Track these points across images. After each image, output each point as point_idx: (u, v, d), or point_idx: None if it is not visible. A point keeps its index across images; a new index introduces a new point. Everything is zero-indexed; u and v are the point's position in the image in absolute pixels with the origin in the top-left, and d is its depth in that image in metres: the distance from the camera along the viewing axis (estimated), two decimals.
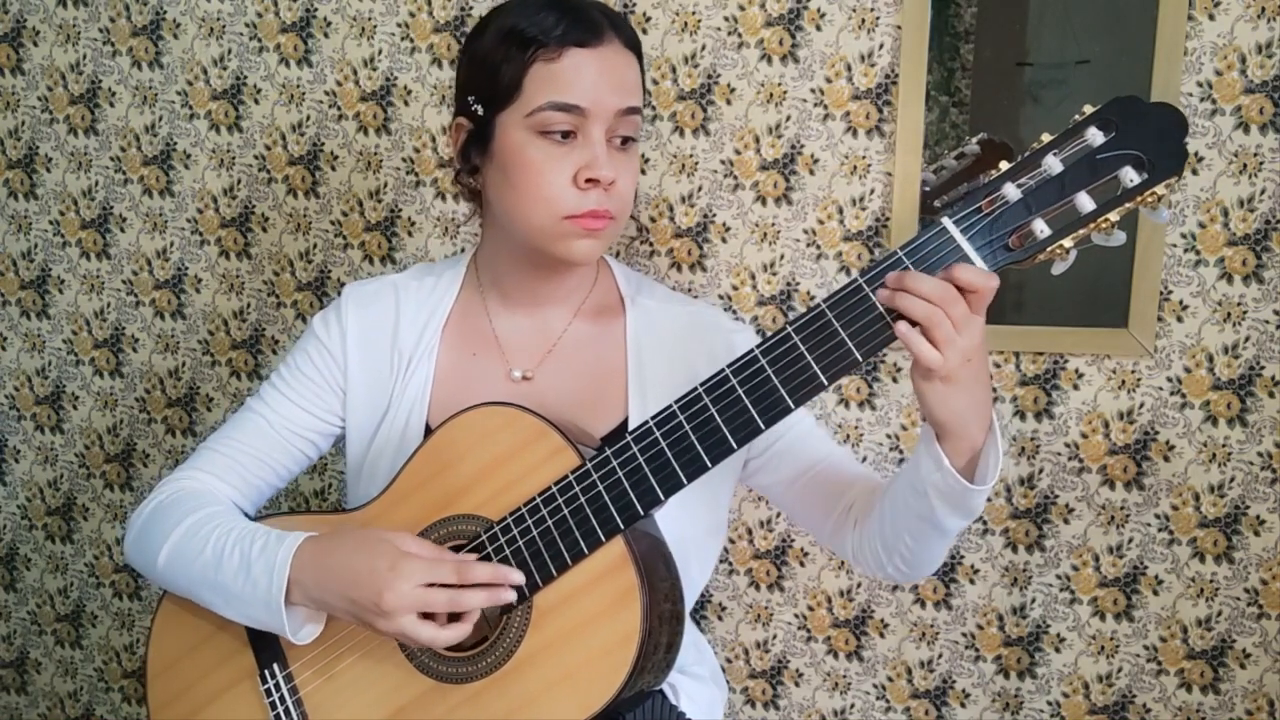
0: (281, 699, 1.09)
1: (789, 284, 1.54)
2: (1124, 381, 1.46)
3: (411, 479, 1.08)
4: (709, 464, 0.96)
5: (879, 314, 0.91)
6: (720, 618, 1.65)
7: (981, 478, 0.96)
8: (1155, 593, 1.50)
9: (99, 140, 1.76)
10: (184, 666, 1.15)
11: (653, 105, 1.54)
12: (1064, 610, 1.54)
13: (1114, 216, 0.87)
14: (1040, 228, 0.87)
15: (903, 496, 1.03)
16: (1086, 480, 1.50)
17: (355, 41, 1.63)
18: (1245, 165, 1.38)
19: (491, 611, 1.05)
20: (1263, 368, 1.42)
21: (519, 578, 0.99)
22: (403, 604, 0.96)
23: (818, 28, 1.47)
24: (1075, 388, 1.48)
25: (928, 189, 1.45)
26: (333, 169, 1.68)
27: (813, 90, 1.49)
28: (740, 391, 0.94)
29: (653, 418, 0.97)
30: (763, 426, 0.94)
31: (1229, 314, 1.42)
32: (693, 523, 1.12)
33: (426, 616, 0.98)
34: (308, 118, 1.67)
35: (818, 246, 1.52)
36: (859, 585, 1.60)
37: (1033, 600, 1.54)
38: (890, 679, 1.61)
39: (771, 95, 1.50)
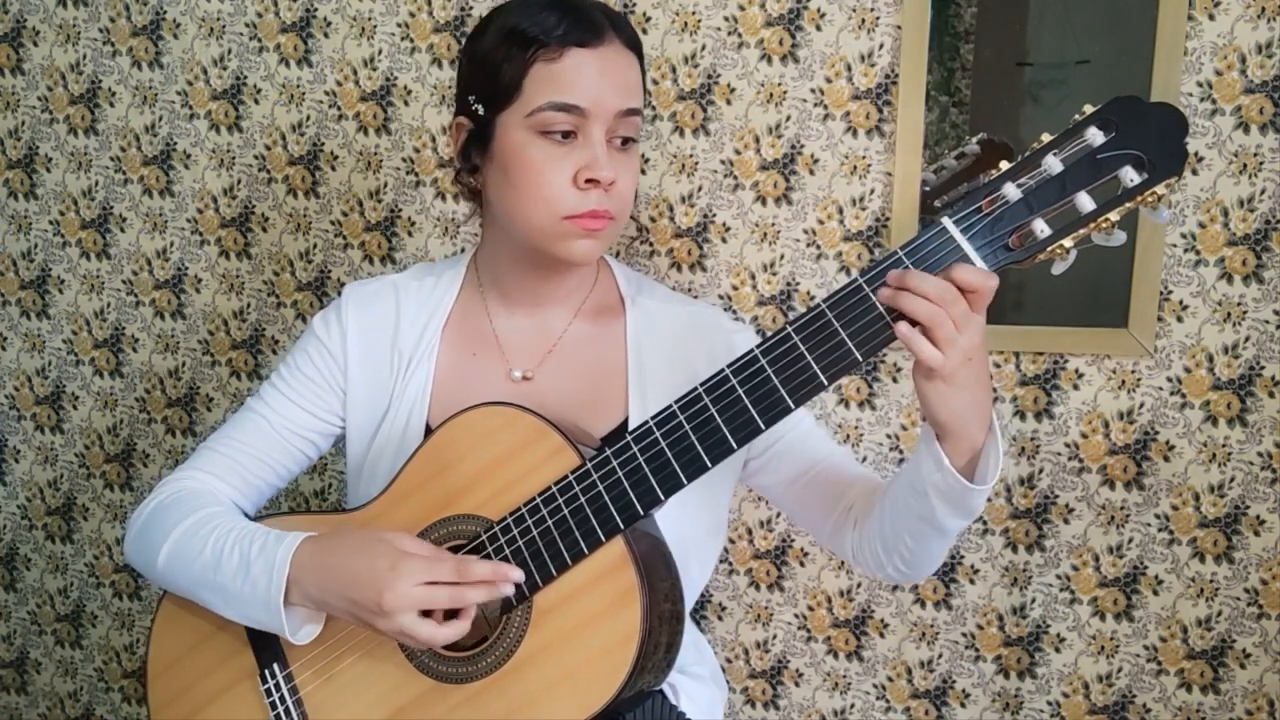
0: (281, 699, 1.09)
1: (789, 284, 1.54)
2: (1124, 381, 1.46)
3: (411, 479, 1.08)
4: (709, 464, 0.96)
5: (879, 314, 0.91)
6: (720, 618, 1.65)
7: (982, 477, 0.96)
8: (1155, 593, 1.50)
9: (99, 140, 1.76)
10: (184, 666, 1.15)
11: (653, 105, 1.54)
12: (1064, 610, 1.54)
13: (1114, 216, 0.87)
14: (1040, 227, 0.88)
15: (903, 496, 1.03)
16: (1086, 480, 1.50)
17: (355, 41, 1.63)
18: (1245, 165, 1.38)
19: (492, 612, 1.05)
20: (1263, 368, 1.42)
21: (519, 575, 0.99)
22: (404, 603, 0.96)
23: (818, 28, 1.47)
24: (1075, 388, 1.48)
25: (928, 189, 1.45)
26: (333, 169, 1.68)
27: (813, 90, 1.49)
28: (740, 391, 0.94)
29: (653, 418, 0.97)
30: (763, 427, 0.94)
31: (1229, 314, 1.42)
32: (693, 523, 1.12)
33: (425, 615, 0.98)
34: (308, 118, 1.67)
35: (818, 246, 1.52)
36: (859, 585, 1.60)
37: (1033, 600, 1.54)
38: (890, 679, 1.61)
39: (771, 95, 1.50)
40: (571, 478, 0.99)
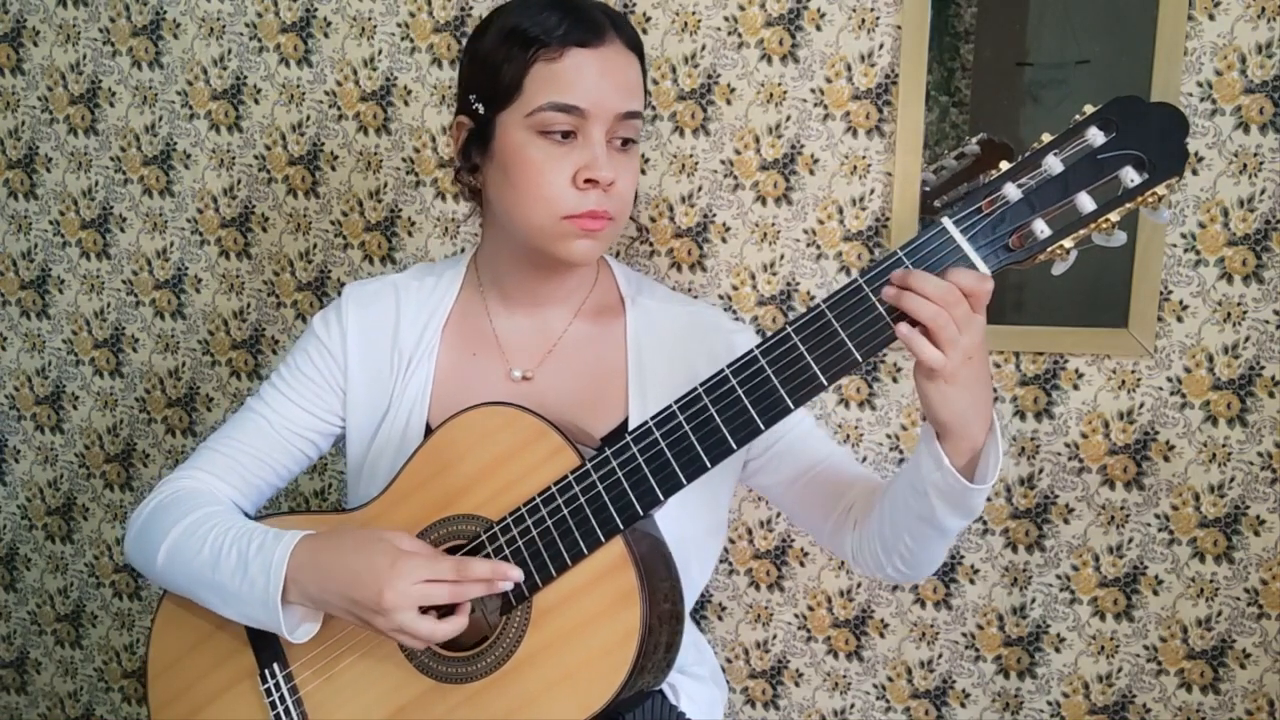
0: (281, 699, 1.09)
1: (789, 284, 1.54)
2: (1124, 381, 1.46)
3: (411, 479, 1.08)
4: (708, 464, 0.96)
5: (879, 314, 0.91)
6: (720, 618, 1.65)
7: (982, 477, 0.96)
8: (1155, 593, 1.50)
9: (99, 140, 1.76)
10: (184, 666, 1.15)
11: (653, 105, 1.54)
12: (1064, 610, 1.54)
13: (1114, 217, 0.87)
14: (1040, 228, 0.87)
15: (903, 496, 1.03)
16: (1086, 480, 1.50)
17: (355, 41, 1.63)
18: (1245, 165, 1.38)
19: (491, 612, 1.05)
20: (1263, 368, 1.42)
21: (518, 574, 1.00)
22: (404, 601, 0.96)
23: (818, 28, 1.47)
24: (1075, 388, 1.48)
25: (928, 189, 1.45)
26: (333, 169, 1.68)
27: (813, 90, 1.49)
28: (740, 392, 0.94)
29: (652, 418, 0.97)
30: (762, 427, 0.94)
31: (1229, 314, 1.42)
32: (693, 523, 1.12)
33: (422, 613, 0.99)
34: (308, 118, 1.67)
35: (818, 246, 1.52)
36: (859, 585, 1.60)
37: (1033, 600, 1.54)
38: (890, 679, 1.61)
39: (771, 95, 1.50)
40: (571, 478, 0.99)
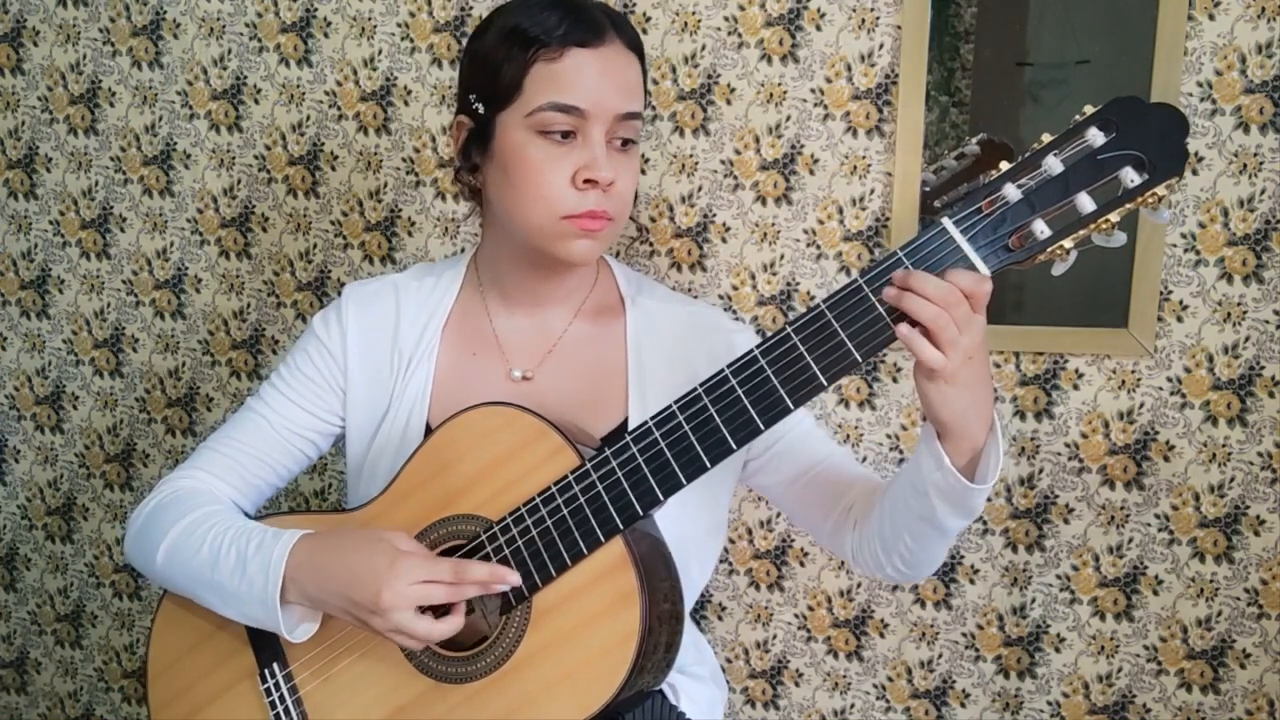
0: (281, 698, 1.09)
1: (789, 284, 1.54)
2: (1124, 381, 1.46)
3: (411, 479, 1.08)
4: (708, 464, 0.96)
5: (879, 314, 0.90)
6: (720, 618, 1.65)
7: (982, 477, 0.96)
8: (1155, 593, 1.50)
9: (99, 140, 1.76)
10: (184, 666, 1.15)
11: (653, 105, 1.54)
12: (1064, 610, 1.54)
13: (1114, 217, 0.87)
14: (1040, 228, 0.87)
15: (903, 496, 1.03)
16: (1086, 480, 1.50)
17: (355, 41, 1.63)
18: (1245, 165, 1.38)
19: (491, 612, 1.05)
20: (1263, 368, 1.42)
21: (515, 579, 0.99)
22: (402, 601, 0.96)
23: (818, 28, 1.47)
24: (1075, 388, 1.48)
25: (928, 189, 1.45)
26: (333, 169, 1.68)
27: (813, 90, 1.49)
28: (740, 392, 0.94)
29: (652, 418, 0.97)
30: (762, 427, 0.94)
31: (1229, 314, 1.42)
32: (692, 523, 1.12)
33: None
34: (308, 118, 1.67)
35: (818, 246, 1.52)
36: (859, 585, 1.60)
37: (1033, 600, 1.54)
38: (890, 679, 1.61)
39: (771, 95, 1.50)
40: (571, 478, 0.99)
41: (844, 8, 1.46)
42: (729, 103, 1.52)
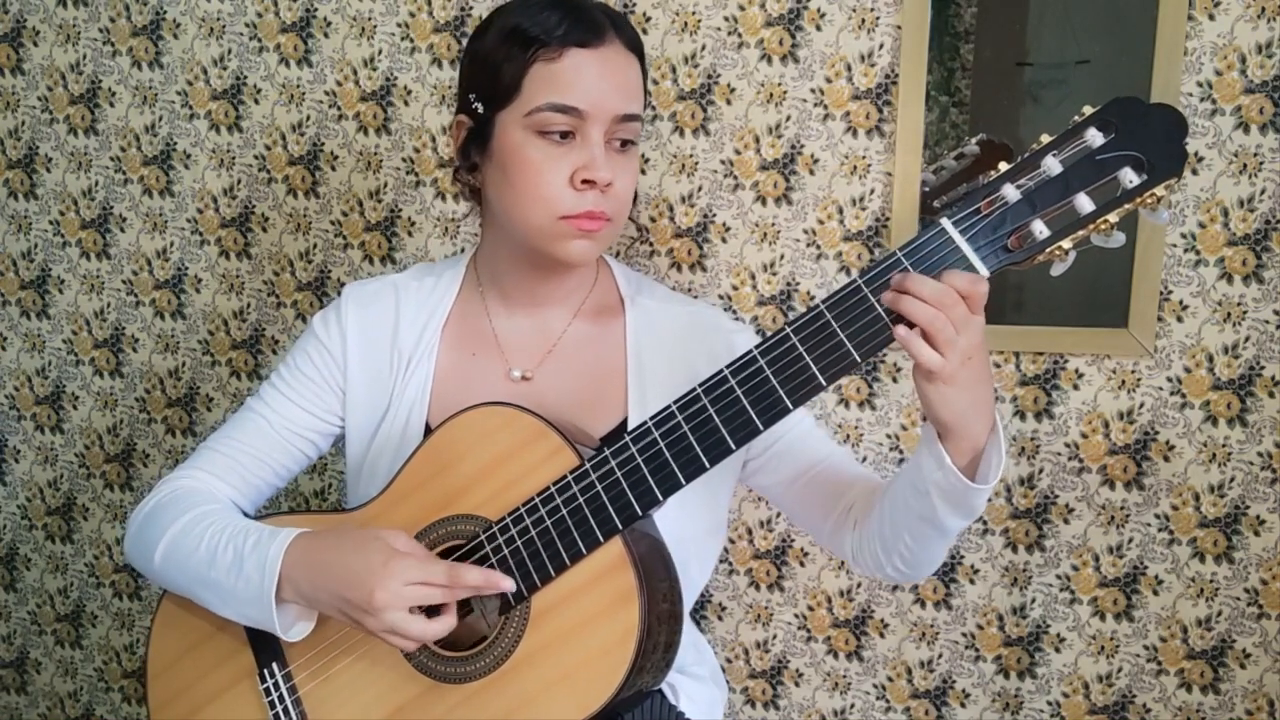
0: (280, 698, 1.09)
1: (789, 284, 1.54)
2: (1124, 381, 1.46)
3: (411, 479, 1.08)
4: (707, 464, 0.96)
5: (878, 315, 0.90)
6: (720, 618, 1.65)
7: (983, 477, 0.96)
8: (1155, 593, 1.50)
9: (99, 140, 1.76)
10: (184, 666, 1.16)
11: (653, 105, 1.54)
12: (1064, 610, 1.53)
13: (1113, 218, 0.87)
14: (1039, 229, 0.87)
15: (903, 496, 1.03)
16: (1086, 480, 1.50)
17: (355, 41, 1.63)
18: (1245, 165, 1.38)
19: (490, 612, 1.05)
20: (1263, 368, 1.42)
21: (509, 585, 0.99)
22: (396, 601, 0.96)
23: (818, 28, 1.47)
24: (1075, 388, 1.48)
25: (927, 189, 1.44)
26: (333, 169, 1.68)
27: (813, 90, 1.49)
28: (739, 392, 0.94)
29: (651, 418, 0.97)
30: (761, 427, 0.94)
31: (1229, 314, 1.42)
32: (692, 523, 1.12)
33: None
34: (308, 118, 1.67)
35: (818, 246, 1.52)
36: (859, 585, 1.60)
37: (1033, 600, 1.54)
38: (890, 679, 1.61)
39: (771, 95, 1.50)
40: (570, 478, 0.99)
41: (844, 8, 1.46)
42: (729, 103, 1.52)
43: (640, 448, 0.97)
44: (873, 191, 1.49)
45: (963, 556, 1.55)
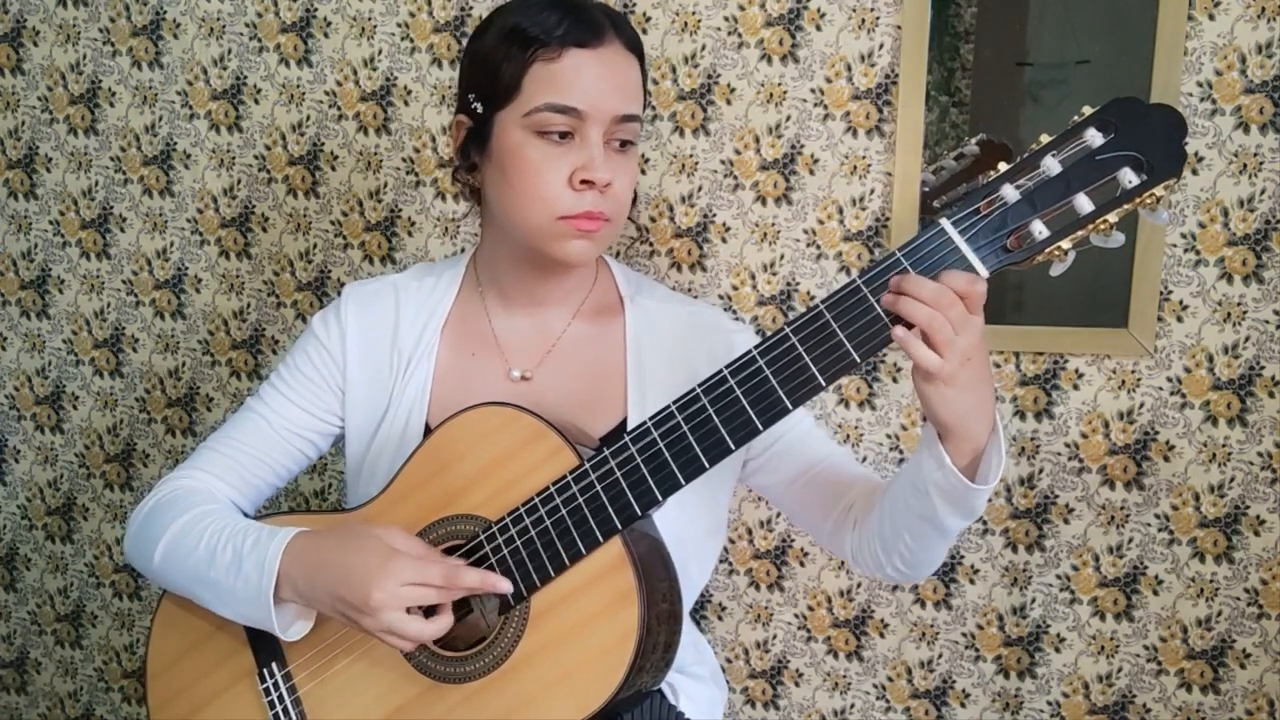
0: (280, 698, 1.09)
1: (789, 284, 1.54)
2: (1124, 381, 1.46)
3: (411, 479, 1.08)
4: (707, 465, 0.96)
5: (877, 315, 0.90)
6: (720, 618, 1.65)
7: (984, 478, 0.96)
8: (1155, 593, 1.50)
9: (99, 140, 1.76)
10: (183, 666, 1.16)
11: (653, 105, 1.54)
12: (1064, 610, 1.53)
13: (1113, 218, 0.87)
14: (1039, 229, 0.87)
15: (904, 496, 1.03)
16: (1086, 480, 1.50)
17: (355, 41, 1.63)
18: (1245, 165, 1.38)
19: (490, 612, 1.05)
20: (1263, 368, 1.42)
21: (506, 586, 0.99)
22: (392, 601, 0.96)
23: (818, 28, 1.47)
24: (1075, 388, 1.48)
25: (927, 189, 1.44)
26: (333, 169, 1.68)
27: (813, 90, 1.49)
28: (738, 392, 0.94)
29: (651, 418, 0.97)
30: (760, 427, 0.94)
31: (1229, 314, 1.42)
32: (691, 523, 1.12)
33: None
34: (308, 118, 1.67)
35: (818, 246, 1.52)
36: (859, 585, 1.60)
37: (1033, 600, 1.54)
38: (890, 679, 1.61)
39: (771, 95, 1.50)
40: (570, 478, 0.99)
41: (844, 8, 1.46)
42: (729, 103, 1.52)
43: (640, 448, 0.97)
44: (873, 191, 1.49)
45: (963, 556, 1.55)
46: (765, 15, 1.48)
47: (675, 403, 0.96)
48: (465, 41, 1.20)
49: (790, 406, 0.93)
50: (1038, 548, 1.53)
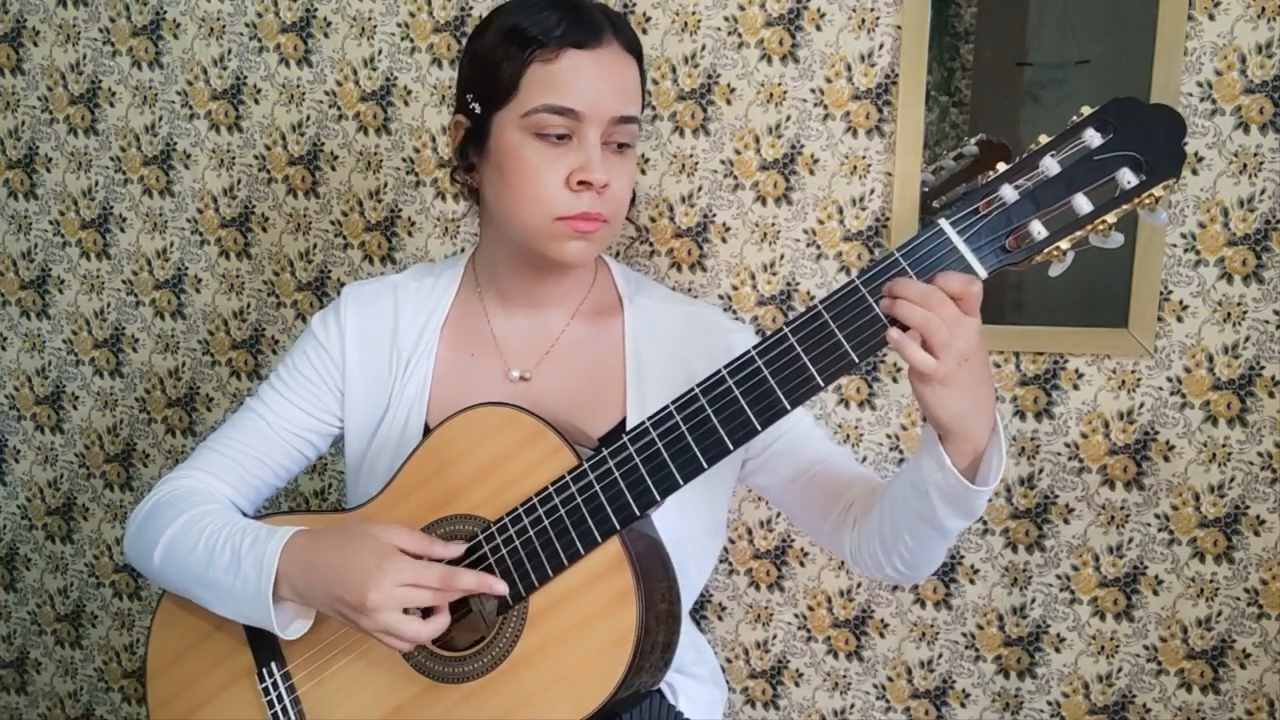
0: (279, 698, 1.09)
1: (789, 284, 1.54)
2: (1124, 381, 1.46)
3: (410, 478, 1.08)
4: (705, 465, 0.96)
5: (876, 315, 0.90)
6: (720, 618, 1.65)
7: (984, 479, 0.96)
8: (1155, 593, 1.50)
9: (99, 140, 1.76)
10: (183, 665, 1.16)
11: (653, 105, 1.54)
12: (1064, 610, 1.53)
13: (1111, 218, 0.87)
14: (1037, 229, 0.87)
15: (903, 496, 1.02)
16: (1086, 480, 1.50)
17: (355, 41, 1.63)
18: (1245, 165, 1.38)
19: (489, 611, 1.05)
20: (1263, 368, 1.42)
21: (503, 588, 1.00)
22: (389, 602, 0.96)
23: (818, 28, 1.47)
24: (1075, 388, 1.48)
25: (927, 189, 1.44)
26: (333, 169, 1.68)
27: (813, 90, 1.49)
28: (737, 393, 0.94)
29: (649, 418, 0.97)
30: (759, 428, 0.94)
31: (1229, 314, 1.41)
32: (691, 523, 1.12)
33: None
34: (308, 118, 1.67)
35: (818, 246, 1.52)
36: (859, 585, 1.60)
37: (1033, 600, 1.54)
38: (890, 679, 1.61)
39: (771, 95, 1.50)
40: (568, 478, 0.99)
41: (844, 8, 1.46)
42: (729, 103, 1.52)
43: (638, 448, 0.97)
44: (873, 191, 1.49)
45: (963, 556, 1.55)
46: (765, 15, 1.48)
47: (674, 403, 0.96)
48: (465, 41, 1.20)
49: (789, 407, 0.93)
50: (1038, 548, 1.53)
